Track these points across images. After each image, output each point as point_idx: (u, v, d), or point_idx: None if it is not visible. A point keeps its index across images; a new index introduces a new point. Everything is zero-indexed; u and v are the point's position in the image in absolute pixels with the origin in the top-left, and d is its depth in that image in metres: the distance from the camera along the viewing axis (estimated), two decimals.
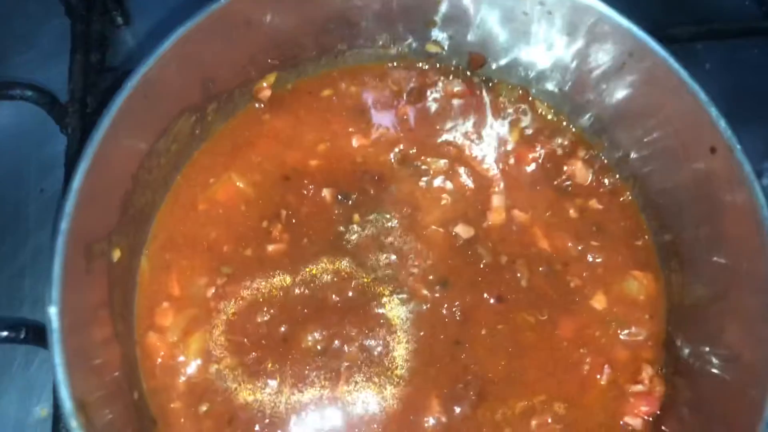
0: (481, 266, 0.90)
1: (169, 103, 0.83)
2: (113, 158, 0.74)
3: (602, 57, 0.87)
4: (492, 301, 0.89)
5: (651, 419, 0.85)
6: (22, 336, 0.92)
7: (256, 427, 0.82)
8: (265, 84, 0.96)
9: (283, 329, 0.86)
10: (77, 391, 0.63)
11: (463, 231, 0.92)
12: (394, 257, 0.90)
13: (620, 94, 0.89)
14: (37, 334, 0.92)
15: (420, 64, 1.01)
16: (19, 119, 1.13)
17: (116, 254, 0.80)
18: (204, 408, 0.82)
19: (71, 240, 0.67)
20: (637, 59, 0.82)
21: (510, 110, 1.00)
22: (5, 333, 0.91)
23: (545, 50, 0.93)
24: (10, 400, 0.96)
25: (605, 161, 0.97)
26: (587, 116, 0.96)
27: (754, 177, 0.74)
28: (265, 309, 0.87)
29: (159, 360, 0.83)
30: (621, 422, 0.85)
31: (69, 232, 0.67)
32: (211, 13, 0.77)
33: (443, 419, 0.83)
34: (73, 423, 0.61)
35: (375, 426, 0.83)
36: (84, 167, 0.68)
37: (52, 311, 0.64)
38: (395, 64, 1.01)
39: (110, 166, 0.74)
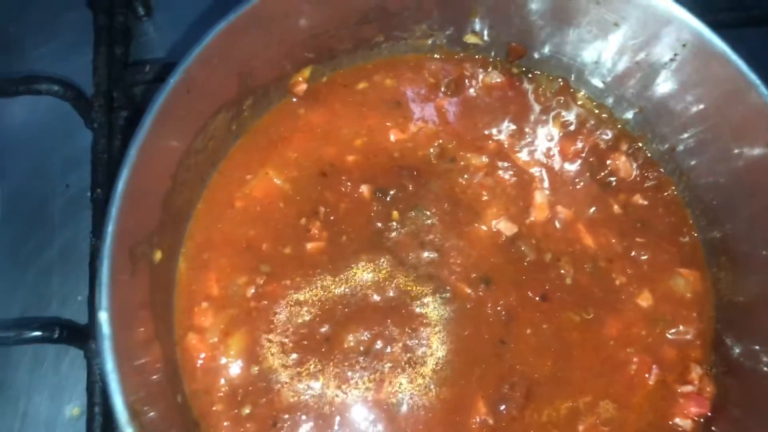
0: (525, 264, 0.89)
1: (209, 100, 0.81)
2: (154, 159, 0.72)
3: (651, 48, 0.84)
4: (537, 299, 0.87)
5: (701, 420, 0.83)
6: (56, 335, 0.91)
7: (300, 430, 0.80)
8: (300, 78, 0.94)
9: (324, 329, 0.85)
10: (130, 398, 0.62)
11: (505, 228, 0.90)
12: (435, 255, 0.89)
13: (668, 85, 0.87)
14: (71, 333, 0.91)
15: (458, 56, 0.98)
16: (44, 113, 1.12)
17: (157, 255, 0.79)
18: (247, 410, 0.81)
19: (117, 244, 0.66)
20: (691, 50, 0.80)
21: (551, 103, 0.97)
22: (39, 333, 0.90)
23: (590, 41, 0.90)
24: (42, 398, 0.96)
25: (649, 155, 0.95)
26: (631, 108, 0.94)
27: None
28: (306, 308, 0.85)
29: (200, 362, 0.82)
30: (670, 423, 0.83)
31: (115, 236, 0.65)
32: (250, 8, 0.75)
33: (489, 420, 0.82)
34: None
35: (420, 427, 0.81)
36: (127, 171, 0.67)
37: (103, 317, 0.62)
38: (432, 55, 0.98)
39: (152, 167, 0.72)
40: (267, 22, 0.80)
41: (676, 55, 0.82)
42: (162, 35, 1.22)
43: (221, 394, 0.81)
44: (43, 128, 1.12)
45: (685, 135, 0.89)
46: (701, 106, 0.84)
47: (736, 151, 0.81)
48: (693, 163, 0.90)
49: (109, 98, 1.08)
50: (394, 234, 0.90)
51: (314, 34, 0.89)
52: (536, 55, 0.96)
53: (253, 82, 0.88)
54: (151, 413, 0.72)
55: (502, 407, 0.82)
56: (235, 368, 0.82)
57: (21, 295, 1.01)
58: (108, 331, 0.63)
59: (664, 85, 0.87)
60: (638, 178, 0.94)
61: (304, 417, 0.81)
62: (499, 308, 0.86)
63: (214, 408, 0.81)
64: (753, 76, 0.75)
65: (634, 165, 0.94)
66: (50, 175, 1.09)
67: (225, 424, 0.80)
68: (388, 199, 0.91)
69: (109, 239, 0.65)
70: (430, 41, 0.97)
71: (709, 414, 0.83)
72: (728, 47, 0.76)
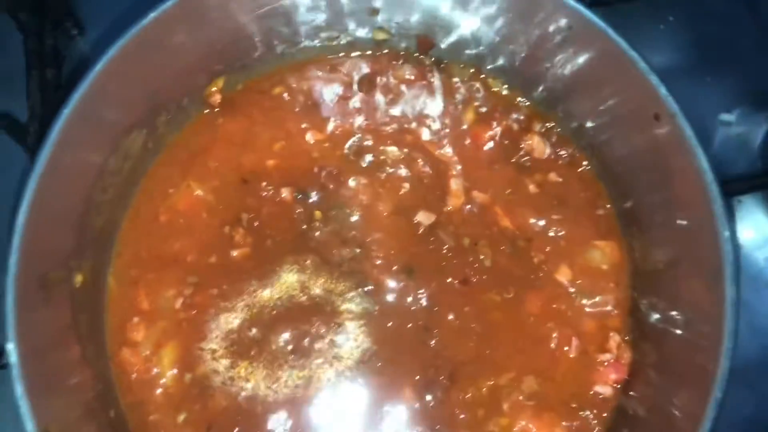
0: (444, 251, 0.91)
1: (114, 121, 0.83)
2: (60, 185, 0.74)
3: (544, 30, 0.85)
4: (457, 284, 0.90)
5: (619, 386, 0.86)
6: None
7: (236, 431, 0.83)
8: (214, 88, 0.96)
9: (252, 333, 0.87)
10: (42, 423, 0.65)
11: (424, 218, 0.92)
12: (358, 250, 0.91)
13: (568, 66, 0.89)
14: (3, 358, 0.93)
15: (369, 53, 1.00)
16: None
17: (78, 279, 0.81)
18: (182, 417, 0.84)
19: (23, 274, 0.68)
20: (576, 32, 0.81)
21: (463, 90, 0.99)
22: None
23: (488, 25, 0.91)
24: (5, 423, 0.98)
25: (561, 132, 0.96)
26: (540, 89, 0.96)
27: (696, 142, 0.74)
28: (234, 314, 0.88)
29: (134, 375, 0.85)
30: (591, 392, 0.86)
31: (20, 267, 0.68)
32: (143, 28, 0.77)
33: (416, 406, 0.85)
34: None
35: (351, 419, 0.84)
36: (28, 199, 0.69)
37: (10, 347, 0.65)
38: (343, 54, 1.00)
39: (58, 193, 0.74)
40: (163, 41, 0.82)
41: (566, 37, 0.83)
42: (97, 52, 1.22)
43: (157, 404, 0.84)
44: None
45: (592, 112, 0.91)
46: (599, 84, 0.86)
47: (633, 126, 0.83)
48: (602, 138, 0.92)
49: (43, 123, 1.10)
50: (317, 234, 0.92)
51: (220, 47, 0.91)
52: (444, 45, 0.98)
53: (163, 98, 0.90)
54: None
55: (428, 392, 0.85)
56: (169, 377, 0.85)
57: None
58: (16, 360, 0.65)
59: (563, 66, 0.89)
60: (552, 156, 0.96)
61: (238, 418, 0.84)
62: (420, 296, 0.89)
63: (150, 418, 0.84)
64: (633, 53, 0.77)
65: (547, 144, 0.96)
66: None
67: None
68: (309, 200, 0.93)
69: (14, 270, 0.67)
70: (340, 41, 0.98)
71: (627, 378, 0.86)
72: (608, 26, 0.78)
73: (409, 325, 0.88)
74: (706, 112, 1.15)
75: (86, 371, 0.80)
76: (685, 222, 0.81)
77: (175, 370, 0.85)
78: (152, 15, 0.78)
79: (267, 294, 0.89)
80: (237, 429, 0.83)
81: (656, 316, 0.86)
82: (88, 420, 0.77)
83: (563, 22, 0.81)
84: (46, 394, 0.68)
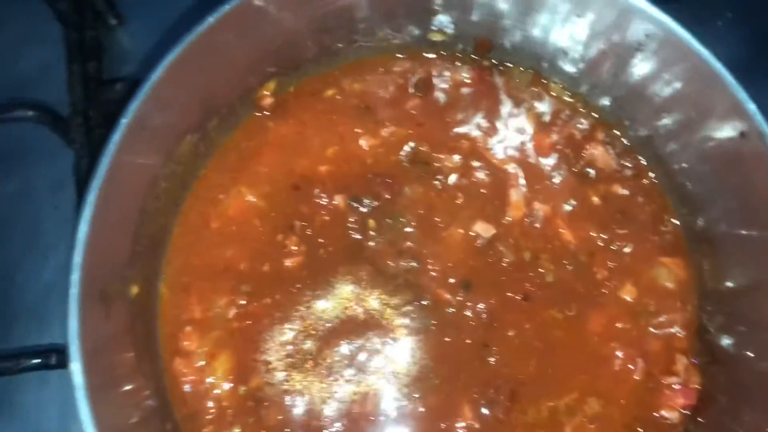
0: (504, 265, 0.88)
1: (169, 127, 0.81)
2: (117, 197, 0.72)
3: (617, 36, 0.81)
4: (518, 299, 0.87)
5: (688, 412, 0.83)
6: (52, 362, 0.93)
7: None
8: (266, 92, 0.93)
9: (307, 345, 0.85)
10: None
11: (482, 230, 0.89)
12: (413, 262, 0.88)
13: (640, 72, 0.84)
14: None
15: (425, 54, 0.96)
16: (24, 136, 1.12)
17: (133, 290, 0.80)
18: (237, 431, 0.82)
19: (85, 291, 0.66)
20: (654, 39, 0.77)
21: (524, 95, 0.95)
22: (36, 360, 0.92)
23: (556, 30, 0.87)
24: (50, 417, 0.99)
25: (626, 143, 0.93)
26: (606, 96, 0.92)
27: None
28: (288, 325, 0.86)
29: (187, 386, 0.84)
30: (656, 415, 0.83)
31: (82, 284, 0.66)
32: (199, 34, 0.74)
33: (476, 425, 0.82)
34: None
35: None
36: (88, 214, 0.67)
37: (75, 368, 0.63)
38: (399, 56, 0.96)
39: (115, 206, 0.72)
40: (219, 45, 0.79)
41: (641, 44, 0.79)
42: (137, 43, 1.20)
43: (210, 416, 0.83)
44: (26, 151, 1.12)
45: (660, 121, 0.87)
46: (671, 93, 0.82)
47: (706, 135, 0.80)
48: (670, 149, 0.88)
49: (87, 117, 1.08)
50: (371, 243, 0.89)
51: (274, 48, 0.88)
52: (505, 47, 0.94)
53: (216, 102, 0.87)
54: None
55: (488, 411, 0.83)
56: (223, 390, 0.84)
57: (22, 318, 1.03)
58: (81, 382, 0.64)
59: (636, 72, 0.85)
60: (616, 167, 0.92)
61: None
62: (480, 312, 0.86)
63: (204, 430, 0.82)
64: (719, 65, 0.72)
65: (612, 154, 0.92)
66: (38, 199, 1.09)
67: None
68: (363, 208, 0.91)
69: (77, 288, 0.65)
70: (395, 42, 0.95)
71: (696, 404, 0.83)
72: (693, 37, 0.73)
73: (468, 341, 0.85)
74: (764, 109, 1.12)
75: (141, 380, 0.78)
76: (763, 237, 0.77)
77: (229, 382, 0.84)
78: (210, 19, 0.75)
79: (321, 305, 0.87)
80: None
81: (727, 338, 0.82)
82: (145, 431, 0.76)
83: (641, 28, 0.77)
84: (104, 407, 0.67)
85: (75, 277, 0.65)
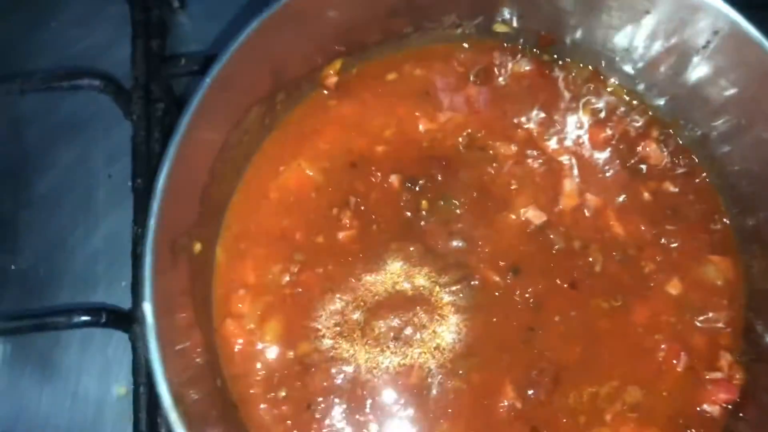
0: (554, 252, 0.90)
1: (243, 96, 0.84)
2: (192, 155, 0.75)
3: (683, 34, 0.83)
4: (565, 287, 0.88)
5: (730, 407, 0.83)
6: (102, 320, 0.95)
7: (334, 412, 0.84)
8: (331, 71, 0.95)
9: (356, 316, 0.87)
10: (173, 383, 0.66)
11: (534, 216, 0.91)
12: (463, 243, 0.90)
13: (700, 72, 0.86)
14: (116, 318, 0.96)
15: (487, 45, 0.99)
16: (85, 106, 1.16)
17: (197, 247, 0.83)
18: (282, 393, 0.84)
19: (158, 237, 0.70)
20: (724, 37, 0.79)
21: (581, 90, 0.97)
22: (86, 318, 0.95)
23: (620, 28, 0.89)
24: (91, 379, 1.01)
25: (681, 141, 0.94)
26: (663, 95, 0.93)
27: None
28: (338, 296, 0.88)
29: (237, 347, 0.86)
30: (698, 409, 0.84)
31: (156, 230, 0.69)
32: (282, 6, 0.77)
33: (517, 404, 0.84)
34: (173, 416, 0.64)
35: (449, 410, 0.84)
36: (167, 167, 0.70)
37: (147, 308, 0.66)
38: (461, 44, 0.99)
39: (190, 163, 0.75)
40: (300, 18, 0.82)
41: (708, 42, 0.81)
42: (197, 26, 1.24)
43: (258, 378, 0.85)
44: (86, 121, 1.16)
45: (718, 122, 0.88)
46: (735, 93, 0.83)
47: (762, 136, 0.81)
48: (725, 150, 0.89)
49: (148, 91, 1.12)
50: (423, 223, 0.92)
51: (345, 29, 0.91)
52: (567, 42, 0.96)
53: (286, 77, 0.90)
54: (194, 396, 0.77)
55: (531, 392, 0.84)
56: (271, 353, 0.86)
57: (69, 281, 1.06)
58: (151, 321, 0.66)
59: (696, 72, 0.86)
60: (669, 165, 0.93)
61: (336, 400, 0.84)
62: (527, 296, 0.88)
63: (251, 391, 0.84)
64: None
65: (665, 151, 0.93)
66: (93, 166, 1.13)
67: (262, 406, 0.84)
68: (417, 188, 0.93)
69: (152, 233, 0.68)
70: (458, 31, 0.97)
71: (738, 400, 0.83)
72: (762, 35, 0.75)
73: (514, 323, 0.87)
74: None
75: (197, 337, 0.81)
76: None
77: (277, 346, 0.86)
78: None
79: (371, 278, 0.89)
80: (336, 410, 0.83)
81: None
82: (197, 385, 0.78)
83: (710, 25, 0.79)
84: (168, 355, 0.69)
85: (152, 223, 0.68)
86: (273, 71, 0.86)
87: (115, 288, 1.04)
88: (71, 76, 1.10)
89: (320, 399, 0.84)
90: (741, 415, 0.83)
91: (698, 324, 0.87)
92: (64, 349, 1.02)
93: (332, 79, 0.96)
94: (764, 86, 0.78)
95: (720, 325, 0.87)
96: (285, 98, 0.93)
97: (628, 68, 0.94)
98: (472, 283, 0.88)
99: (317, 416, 0.83)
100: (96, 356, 1.02)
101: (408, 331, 0.86)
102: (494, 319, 0.87)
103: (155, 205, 0.69)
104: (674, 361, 0.85)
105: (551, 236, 0.90)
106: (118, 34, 1.19)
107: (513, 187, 0.92)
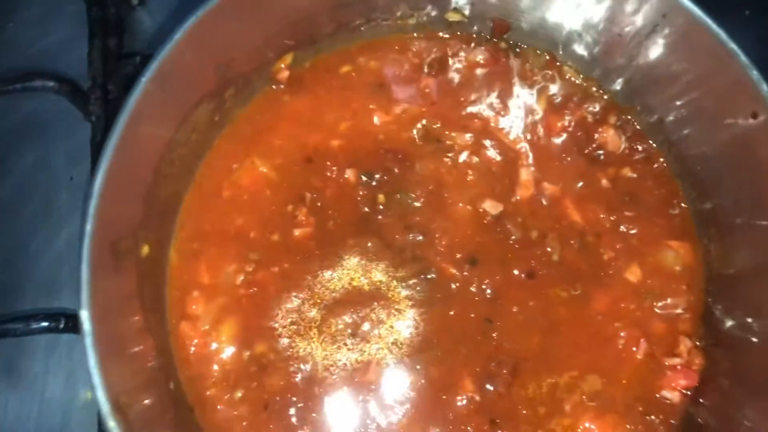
0: (511, 242, 0.89)
1: (187, 92, 0.82)
2: (133, 155, 0.74)
3: (633, 18, 0.82)
4: (523, 277, 0.87)
5: (689, 392, 0.83)
6: (61, 326, 0.94)
7: (291, 411, 0.83)
8: (282, 65, 0.94)
9: (312, 313, 0.86)
10: (113, 392, 0.65)
11: (491, 207, 0.90)
12: (420, 237, 0.89)
13: (653, 56, 0.85)
14: (76, 324, 0.94)
15: (441, 34, 0.97)
16: (44, 108, 1.14)
17: (144, 250, 0.81)
18: (239, 394, 0.83)
19: (97, 241, 0.68)
20: (671, 20, 0.78)
21: (537, 77, 0.96)
22: (45, 324, 0.94)
23: (572, 12, 0.88)
24: (57, 383, 1.00)
25: (638, 127, 0.93)
26: (618, 80, 0.92)
27: None
28: (294, 294, 0.87)
29: (193, 349, 0.85)
30: (657, 396, 0.83)
31: (94, 234, 0.68)
32: (219, 1, 0.75)
33: (476, 397, 0.83)
34: (111, 423, 0.63)
35: (407, 406, 0.83)
36: (104, 169, 0.69)
37: (84, 315, 0.65)
38: (415, 35, 0.98)
39: (130, 163, 0.74)
40: (239, 12, 0.80)
41: (656, 26, 0.80)
42: (156, 23, 1.22)
43: (214, 379, 0.84)
44: (43, 123, 1.14)
45: (673, 106, 0.87)
46: (686, 77, 0.82)
47: (721, 122, 0.80)
48: (682, 134, 0.88)
49: (105, 90, 1.10)
50: (380, 217, 0.90)
51: (291, 21, 0.89)
52: (522, 29, 0.95)
53: (233, 72, 0.89)
54: (146, 401, 0.76)
55: (489, 385, 0.83)
56: (227, 354, 0.85)
57: (32, 286, 1.05)
58: (89, 328, 0.65)
59: (649, 56, 0.86)
60: (627, 151, 0.93)
61: (294, 399, 0.83)
62: (484, 287, 0.87)
63: (207, 393, 0.83)
64: (733, 45, 0.73)
65: (623, 137, 0.93)
66: (54, 169, 1.11)
67: (219, 407, 0.83)
68: (373, 182, 0.92)
69: (88, 238, 0.67)
70: (411, 21, 0.96)
71: (698, 386, 0.83)
72: (708, 16, 0.74)
73: (472, 316, 0.86)
74: None
75: (148, 341, 0.80)
76: None
77: (233, 347, 0.85)
78: None
79: (328, 275, 0.88)
80: (293, 409, 0.82)
81: (732, 322, 0.82)
82: (149, 389, 0.77)
83: (657, 9, 0.78)
84: (111, 361, 0.68)
85: (88, 227, 0.67)
86: (218, 67, 0.85)
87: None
88: (24, 78, 1.08)
89: (277, 398, 0.83)
90: (701, 400, 0.82)
91: (657, 310, 0.87)
92: (30, 355, 1.01)
93: (284, 74, 0.94)
94: (711, 67, 0.77)
95: (679, 310, 0.87)
96: (235, 94, 0.92)
97: (583, 54, 0.93)
98: (429, 276, 0.87)
99: (274, 416, 0.82)
100: (62, 361, 1.01)
101: (365, 327, 0.85)
102: (451, 312, 0.86)
103: (91, 208, 0.67)
104: (634, 349, 0.85)
105: (508, 226, 0.89)
106: (76, 34, 1.17)
107: (469, 178, 0.91)
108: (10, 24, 1.22)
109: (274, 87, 0.96)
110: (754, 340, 0.79)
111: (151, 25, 1.21)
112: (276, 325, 0.86)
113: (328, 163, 0.93)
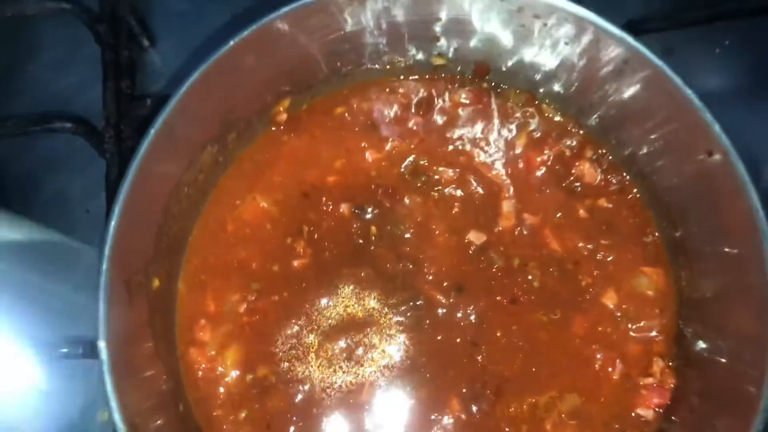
0: (494, 270, 0.95)
1: (193, 140, 0.90)
2: (144, 198, 0.81)
3: (601, 63, 0.88)
4: (506, 303, 0.94)
5: (661, 410, 0.88)
6: (80, 352, 1.01)
7: (291, 430, 0.89)
8: (281, 108, 1.01)
9: (310, 339, 0.93)
10: (128, 413, 0.72)
11: (475, 237, 0.96)
12: (411, 265, 0.96)
13: (622, 96, 0.91)
14: (94, 349, 1.01)
15: (427, 76, 1.04)
16: (61, 146, 1.22)
17: (155, 283, 0.88)
18: (243, 415, 0.90)
19: (112, 278, 0.75)
20: (632, 66, 0.84)
21: (517, 114, 1.02)
22: (65, 350, 1.00)
23: (548, 54, 0.95)
24: (74, 405, 1.06)
25: (612, 160, 0.99)
26: (593, 117, 0.98)
27: (747, 178, 0.76)
28: (294, 321, 0.94)
29: (200, 373, 0.92)
30: (633, 414, 0.89)
31: (109, 272, 0.75)
32: (222, 55, 0.83)
33: (463, 416, 0.89)
34: None
35: (399, 425, 0.89)
36: (118, 211, 0.76)
37: (101, 345, 0.72)
38: (403, 78, 1.05)
39: (142, 206, 0.81)
40: (240, 65, 0.88)
41: (621, 70, 0.86)
42: (167, 63, 1.30)
43: (220, 401, 0.91)
44: (61, 160, 1.22)
45: (645, 141, 0.93)
46: (653, 116, 0.89)
47: (686, 157, 0.86)
48: (653, 167, 0.94)
49: (119, 129, 1.18)
50: (373, 248, 0.97)
51: (290, 68, 0.97)
52: (502, 70, 1.02)
53: (236, 117, 0.96)
54: (159, 421, 0.83)
55: (474, 405, 0.89)
56: (232, 377, 0.92)
57: (53, 316, 1.12)
58: (106, 357, 0.72)
59: (619, 96, 0.92)
60: (603, 183, 0.99)
61: (294, 418, 0.90)
62: (470, 313, 0.93)
63: (214, 414, 0.90)
64: (688, 91, 0.79)
65: (599, 170, 0.99)
66: (71, 203, 1.19)
67: (225, 427, 0.90)
68: (366, 216, 0.99)
69: (104, 275, 0.74)
70: (400, 65, 1.03)
71: (670, 404, 0.88)
72: (664, 63, 0.80)
73: (458, 340, 0.92)
74: (761, 137, 1.16)
75: (159, 366, 0.87)
76: (733, 252, 0.83)
77: (237, 371, 0.91)
78: (231, 42, 0.84)
79: (324, 303, 0.95)
80: (293, 428, 0.89)
81: (702, 344, 0.88)
82: (161, 411, 0.84)
83: (619, 55, 0.84)
84: (126, 385, 0.75)
85: (104, 267, 0.74)
86: (221, 114, 0.93)
87: (96, 321, 1.09)
88: (44, 120, 1.16)
89: (278, 419, 0.90)
90: (673, 417, 0.87)
91: (633, 333, 0.92)
92: (48, 378, 1.07)
93: (282, 116, 1.02)
94: (672, 109, 0.83)
95: (653, 333, 0.92)
96: (237, 137, 0.99)
97: (560, 91, 0.99)
98: (418, 303, 0.94)
99: None
100: (79, 384, 1.07)
101: (359, 351, 0.92)
102: (439, 337, 0.92)
103: (107, 250, 0.75)
104: (610, 369, 0.90)
105: (492, 255, 0.95)
106: (92, 75, 1.24)
107: (454, 211, 0.98)
108: (31, 67, 1.30)
109: (273, 129, 1.03)
110: (722, 360, 0.84)
111: (162, 65, 1.29)
112: (276, 350, 0.93)
113: (324, 198, 1.00)
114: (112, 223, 0.76)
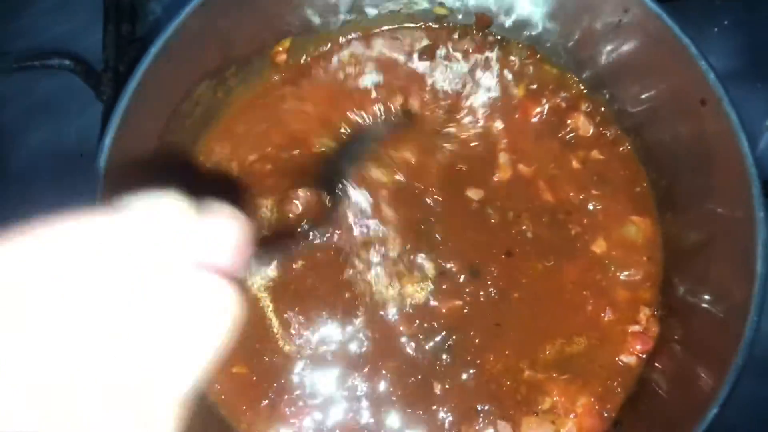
0: (491, 225, 0.95)
1: (192, 66, 0.89)
2: (139, 115, 0.80)
3: (600, 13, 0.89)
4: (502, 257, 0.94)
5: (645, 356, 0.90)
6: None
7: None
8: (280, 48, 1.01)
9: None
10: None
11: (473, 193, 0.96)
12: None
13: (619, 49, 0.92)
14: None
15: (430, 25, 1.05)
16: (59, 89, 1.21)
17: None
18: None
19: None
20: (631, 15, 0.85)
21: (517, 67, 1.03)
22: None
23: (548, 10, 0.96)
24: None
25: (606, 113, 1.00)
26: (589, 71, 1.00)
27: (740, 127, 0.77)
28: None
29: None
30: (616, 359, 0.90)
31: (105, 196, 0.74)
32: None
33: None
34: None
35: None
36: (112, 134, 0.76)
37: None
38: (406, 25, 1.05)
39: (137, 123, 0.80)
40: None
41: (620, 20, 0.87)
42: (167, 13, 1.30)
43: None
44: (58, 102, 1.21)
45: (636, 95, 0.95)
46: (646, 69, 0.90)
47: (676, 110, 0.87)
48: (645, 121, 0.96)
49: (117, 72, 1.18)
50: None
51: (288, 12, 0.97)
52: (504, 23, 1.02)
53: (235, 54, 0.96)
54: None
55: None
56: None
57: None
58: None
59: (615, 49, 0.93)
60: (596, 135, 1.00)
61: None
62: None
63: None
64: (684, 37, 0.80)
65: (592, 123, 1.00)
66: (66, 146, 1.19)
67: None
68: None
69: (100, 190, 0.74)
70: (402, 13, 1.03)
71: (653, 351, 0.90)
72: (662, 10, 0.81)
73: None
74: (754, 117, 1.17)
75: None
76: (721, 205, 0.85)
77: None
78: None
79: None
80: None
81: (686, 292, 0.89)
82: None
83: (621, 4, 0.85)
84: None
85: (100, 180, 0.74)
86: (222, 44, 0.92)
87: None
88: (42, 56, 1.15)
89: None
90: (656, 364, 0.89)
91: (621, 278, 0.93)
92: None
93: (282, 56, 1.02)
94: (668, 59, 0.84)
95: (640, 278, 0.93)
96: (236, 72, 0.99)
97: (559, 47, 1.00)
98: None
99: None
100: None
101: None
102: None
103: (101, 165, 0.74)
104: (601, 314, 0.91)
105: (488, 211, 0.96)
106: (92, 20, 1.24)
107: (458, 167, 0.98)
108: (31, 8, 1.29)
109: (273, 74, 1.02)
110: (704, 307, 0.86)
111: (162, 14, 1.29)
112: None
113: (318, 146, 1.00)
114: (106, 146, 0.75)
